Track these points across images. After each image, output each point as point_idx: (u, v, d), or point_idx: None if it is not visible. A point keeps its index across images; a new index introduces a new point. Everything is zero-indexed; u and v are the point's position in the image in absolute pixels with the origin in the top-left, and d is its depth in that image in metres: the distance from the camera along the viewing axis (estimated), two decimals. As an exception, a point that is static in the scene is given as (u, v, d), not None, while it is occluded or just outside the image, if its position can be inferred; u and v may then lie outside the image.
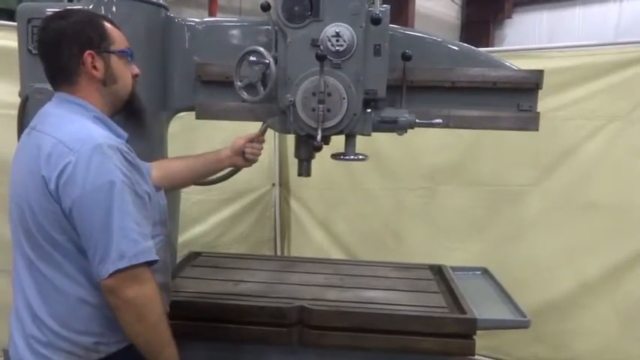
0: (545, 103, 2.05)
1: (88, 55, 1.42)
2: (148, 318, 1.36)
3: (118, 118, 1.52)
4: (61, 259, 1.36)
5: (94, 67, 1.43)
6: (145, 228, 1.36)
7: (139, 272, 1.32)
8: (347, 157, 1.96)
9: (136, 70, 1.55)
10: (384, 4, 1.82)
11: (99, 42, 1.44)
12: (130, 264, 1.30)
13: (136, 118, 1.58)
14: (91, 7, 1.84)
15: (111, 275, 1.29)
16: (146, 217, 1.38)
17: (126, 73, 1.51)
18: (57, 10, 1.59)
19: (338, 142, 1.97)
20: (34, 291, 1.39)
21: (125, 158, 1.36)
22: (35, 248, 1.37)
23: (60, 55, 1.42)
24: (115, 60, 1.47)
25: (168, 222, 1.60)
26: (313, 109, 1.81)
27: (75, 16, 1.46)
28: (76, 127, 1.37)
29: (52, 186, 1.31)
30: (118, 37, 1.49)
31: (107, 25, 1.48)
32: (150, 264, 1.35)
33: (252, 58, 1.84)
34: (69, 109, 1.43)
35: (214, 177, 2.11)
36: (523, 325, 2.00)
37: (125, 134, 1.48)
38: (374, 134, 1.94)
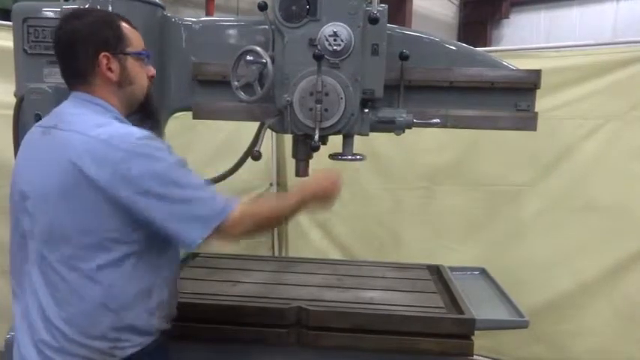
0: (542, 102, 2.05)
1: (103, 57, 1.42)
2: (263, 222, 1.54)
3: (132, 118, 1.51)
4: (85, 261, 1.35)
5: (109, 69, 1.43)
6: (209, 186, 1.46)
7: (228, 220, 1.41)
8: (345, 157, 1.95)
9: (152, 71, 1.55)
10: (381, 3, 1.81)
11: (115, 43, 1.44)
12: (218, 222, 1.39)
13: (151, 119, 1.58)
14: (87, 6, 1.83)
15: (204, 240, 1.38)
16: (200, 179, 1.44)
17: (142, 74, 1.52)
18: (72, 10, 1.58)
19: (335, 142, 1.96)
20: (47, 295, 1.37)
21: (162, 142, 1.42)
22: (56, 250, 1.35)
23: (75, 56, 1.42)
24: (131, 62, 1.47)
25: None
26: (311, 109, 1.81)
27: (91, 16, 1.46)
28: (110, 126, 1.38)
29: (102, 184, 1.31)
30: (134, 39, 1.49)
31: (124, 25, 1.47)
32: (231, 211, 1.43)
33: (249, 58, 1.84)
34: (90, 108, 1.43)
35: (211, 177, 2.10)
36: (521, 325, 1.99)
37: None
38: (372, 134, 1.93)
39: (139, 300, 1.42)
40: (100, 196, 1.32)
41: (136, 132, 1.38)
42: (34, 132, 1.48)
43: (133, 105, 1.52)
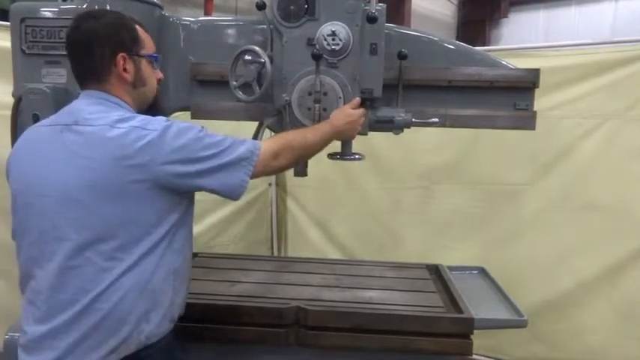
0: (541, 102, 2.05)
1: (120, 58, 1.46)
2: (299, 150, 1.64)
3: None
4: (128, 252, 1.37)
5: (125, 70, 1.47)
6: (236, 138, 1.53)
7: (261, 156, 1.52)
8: (344, 157, 1.95)
9: (160, 74, 1.61)
10: (380, 3, 1.81)
11: (131, 45, 1.49)
12: (256, 158, 1.51)
13: None
14: (84, 6, 1.83)
15: (252, 175, 1.49)
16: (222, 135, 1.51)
17: (152, 76, 1.57)
18: (88, 10, 1.61)
19: (334, 141, 1.96)
20: (83, 291, 1.36)
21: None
22: (96, 245, 1.35)
23: (92, 55, 1.45)
24: (144, 64, 1.53)
25: None
26: (309, 109, 1.81)
27: (107, 17, 1.49)
28: (134, 117, 1.41)
29: (147, 167, 1.35)
30: (148, 42, 1.55)
31: (138, 28, 1.52)
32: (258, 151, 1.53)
33: (247, 58, 1.83)
34: (108, 106, 1.45)
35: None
36: (520, 324, 1.99)
37: None
38: (370, 133, 1.93)
39: (168, 281, 1.45)
40: (145, 182, 1.36)
41: (160, 117, 1.44)
42: (42, 131, 1.47)
43: (143, 106, 1.56)
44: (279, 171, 1.68)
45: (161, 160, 1.37)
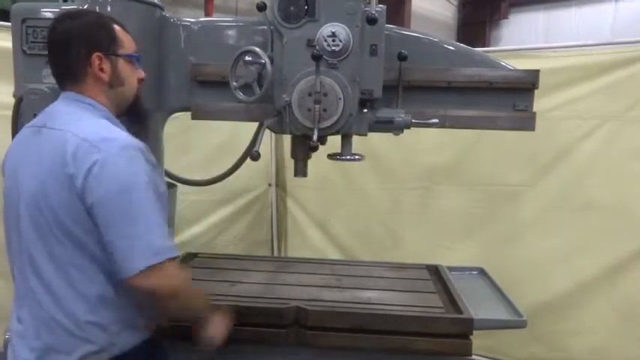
0: (541, 102, 2.05)
1: (95, 57, 1.44)
2: (179, 302, 1.47)
3: (120, 119, 1.53)
4: (82, 257, 1.36)
5: (101, 69, 1.46)
6: (166, 227, 1.40)
7: (167, 266, 1.36)
8: (343, 158, 1.95)
9: (142, 74, 1.58)
10: (380, 4, 1.82)
11: (107, 44, 1.47)
12: (158, 261, 1.34)
13: (139, 121, 1.60)
14: (85, 6, 1.83)
15: (141, 272, 1.32)
16: (164, 217, 1.41)
17: (132, 76, 1.54)
18: (67, 10, 1.60)
19: (334, 142, 1.96)
20: (45, 294, 1.38)
21: (147, 159, 1.39)
22: (50, 249, 1.36)
23: (68, 55, 1.44)
24: (122, 63, 1.50)
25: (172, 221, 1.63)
26: (309, 110, 1.81)
27: (85, 17, 1.49)
28: (96, 126, 1.39)
29: (78, 184, 1.32)
30: (126, 41, 1.52)
31: (117, 28, 1.50)
32: (174, 259, 1.40)
33: (247, 58, 1.84)
34: (80, 107, 1.44)
35: (210, 178, 2.10)
36: (520, 325, 1.99)
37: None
38: (370, 134, 1.94)
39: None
40: (74, 193, 1.33)
41: (125, 138, 1.39)
42: (24, 132, 1.49)
43: (122, 106, 1.54)
44: (154, 290, 1.39)
45: (88, 182, 1.32)
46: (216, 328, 1.66)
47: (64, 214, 1.34)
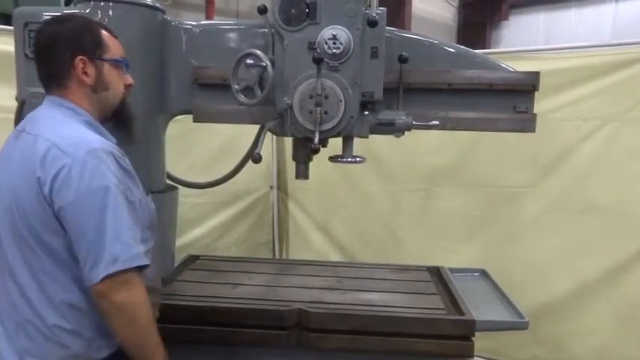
0: (541, 104, 2.06)
1: (79, 61, 1.43)
2: (138, 322, 1.37)
3: (107, 126, 1.52)
4: (52, 263, 1.35)
5: (85, 73, 1.45)
6: (136, 233, 1.37)
7: (130, 277, 1.33)
8: (344, 160, 1.96)
9: (129, 79, 1.56)
10: (380, 6, 1.82)
11: (92, 49, 1.46)
12: (122, 268, 1.31)
13: (125, 127, 1.58)
14: (87, 10, 1.84)
15: (102, 280, 1.29)
16: (137, 223, 1.38)
17: (118, 81, 1.52)
18: (56, 15, 1.61)
19: (335, 144, 1.97)
20: (20, 298, 1.38)
21: (118, 163, 1.38)
22: (23, 252, 1.36)
23: (52, 59, 1.44)
24: (107, 68, 1.49)
25: (157, 226, 1.59)
26: (310, 112, 1.82)
27: (72, 21, 1.48)
28: (69, 131, 1.38)
29: (46, 189, 1.32)
30: (113, 46, 1.51)
31: (104, 32, 1.50)
32: (141, 269, 1.36)
33: (249, 61, 1.84)
34: (60, 112, 1.44)
35: (212, 180, 2.10)
36: (521, 326, 2.00)
37: (114, 139, 1.48)
38: (371, 136, 1.94)
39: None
40: (42, 198, 1.33)
41: (95, 141, 1.36)
42: (9, 136, 1.50)
43: (107, 111, 1.52)
44: (114, 307, 1.34)
45: (55, 186, 1.31)
46: None
47: (34, 220, 1.34)
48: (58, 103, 1.45)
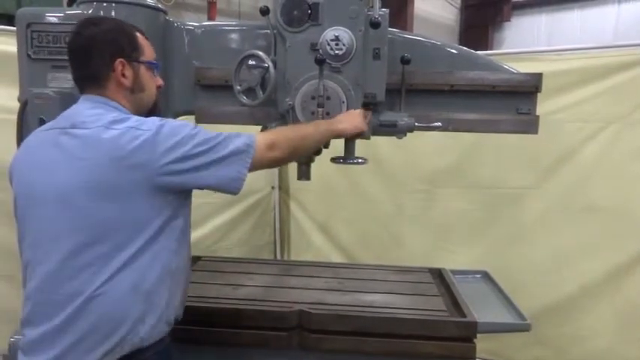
0: (544, 106, 2.05)
1: (119, 63, 1.49)
2: (303, 146, 1.66)
3: None
4: (123, 250, 1.38)
5: (124, 75, 1.50)
6: (230, 133, 1.50)
7: (263, 144, 1.52)
8: (346, 161, 1.96)
9: (160, 81, 1.64)
10: (382, 7, 1.82)
11: (130, 51, 1.51)
12: (253, 151, 1.49)
13: None
14: (90, 11, 1.84)
15: (248, 169, 1.48)
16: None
17: (152, 83, 1.60)
18: (89, 17, 1.65)
19: (337, 145, 1.97)
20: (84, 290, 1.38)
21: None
22: (93, 245, 1.37)
23: (91, 60, 1.48)
24: (143, 70, 1.55)
25: None
26: (312, 113, 1.82)
27: (108, 24, 1.53)
28: (131, 118, 1.44)
29: (144, 167, 1.37)
30: (147, 49, 1.57)
31: (138, 35, 1.55)
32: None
33: (251, 62, 1.85)
34: (106, 109, 1.47)
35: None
36: (523, 328, 1.99)
37: None
38: (373, 138, 1.94)
39: (164, 283, 1.45)
40: (141, 182, 1.37)
41: (154, 118, 1.46)
42: (41, 136, 1.49)
43: (141, 111, 1.57)
44: (275, 163, 1.65)
45: (156, 159, 1.38)
46: (350, 122, 1.76)
47: (124, 207, 1.37)
48: (100, 101, 1.49)
